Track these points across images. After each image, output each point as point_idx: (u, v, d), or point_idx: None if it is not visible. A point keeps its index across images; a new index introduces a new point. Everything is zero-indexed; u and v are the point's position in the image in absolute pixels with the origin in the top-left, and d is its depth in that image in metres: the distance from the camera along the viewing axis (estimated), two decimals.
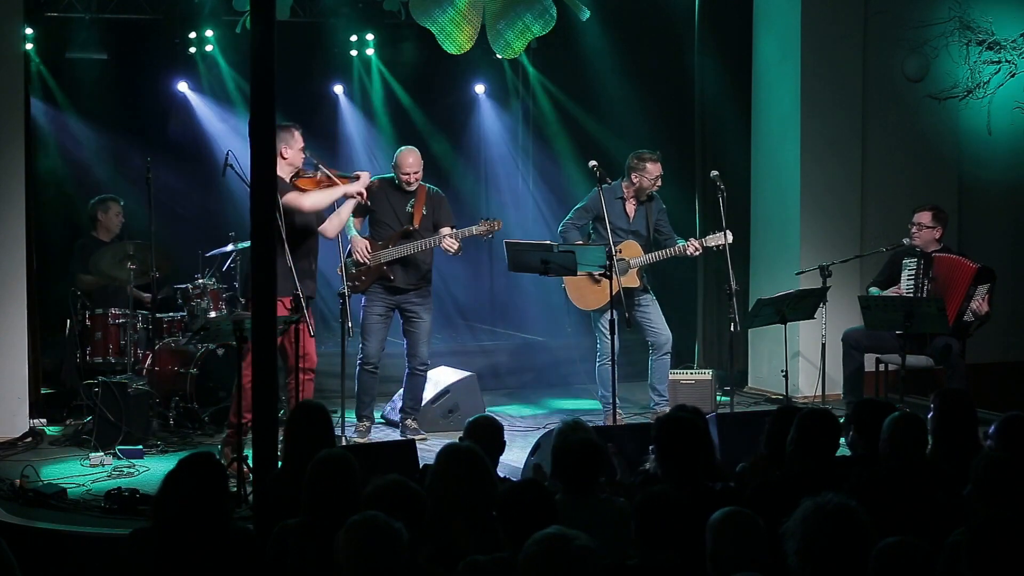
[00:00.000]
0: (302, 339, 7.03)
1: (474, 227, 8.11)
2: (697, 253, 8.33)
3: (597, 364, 8.52)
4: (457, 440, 5.08)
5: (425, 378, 8.36)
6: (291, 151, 7.42)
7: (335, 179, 7.56)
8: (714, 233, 8.22)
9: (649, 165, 8.38)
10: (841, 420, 5.21)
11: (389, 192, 8.15)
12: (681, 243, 8.35)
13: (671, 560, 3.86)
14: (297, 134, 7.47)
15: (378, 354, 8.18)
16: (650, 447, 5.05)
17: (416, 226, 8.07)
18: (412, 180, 8.09)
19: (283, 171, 7.31)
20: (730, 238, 8.12)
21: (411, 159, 8.10)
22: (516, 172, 12.21)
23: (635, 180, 8.37)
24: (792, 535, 3.46)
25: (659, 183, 8.41)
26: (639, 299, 8.43)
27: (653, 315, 8.51)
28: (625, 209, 8.42)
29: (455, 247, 8.00)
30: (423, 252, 8.09)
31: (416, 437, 7.82)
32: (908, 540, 3.40)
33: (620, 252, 8.14)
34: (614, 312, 7.65)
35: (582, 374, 9.46)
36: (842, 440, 5.71)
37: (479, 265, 11.89)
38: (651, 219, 8.47)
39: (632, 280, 8.30)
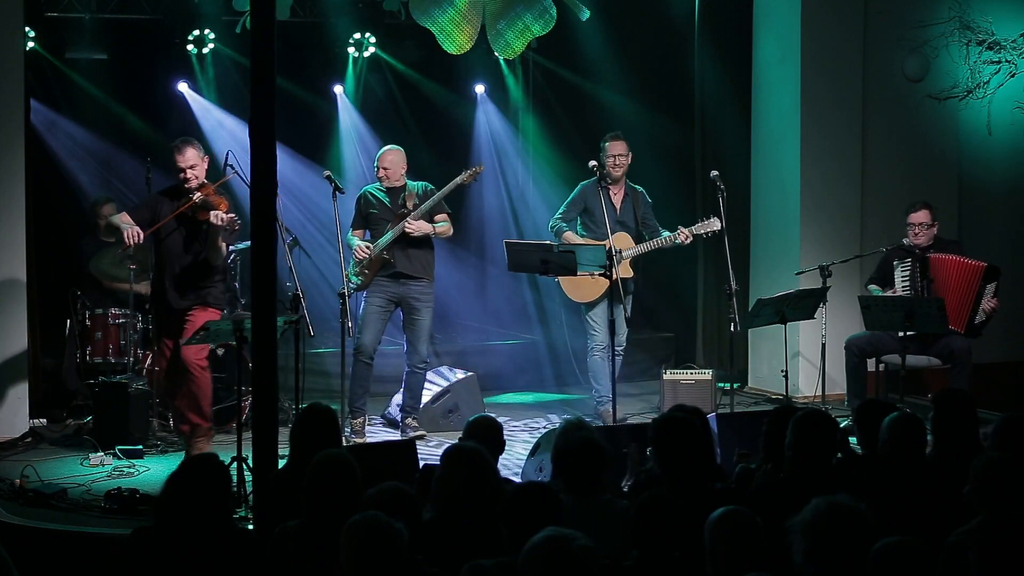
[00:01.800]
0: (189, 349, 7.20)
1: (458, 177, 8.11)
2: (688, 241, 8.29)
3: (588, 357, 8.54)
4: (457, 440, 5.09)
5: (424, 376, 8.36)
6: (175, 173, 7.41)
7: (204, 211, 7.31)
8: (703, 220, 8.24)
9: (607, 143, 8.46)
10: (845, 423, 5.22)
11: (383, 194, 8.20)
12: (667, 234, 8.34)
13: (670, 560, 3.86)
14: (177, 155, 7.33)
15: (373, 346, 8.15)
16: (647, 448, 5.05)
17: (410, 207, 8.08)
18: (386, 176, 8.16)
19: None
20: (717, 225, 8.12)
21: (389, 156, 8.20)
22: (516, 172, 12.20)
23: (603, 160, 8.40)
24: (801, 533, 3.46)
25: (620, 162, 8.42)
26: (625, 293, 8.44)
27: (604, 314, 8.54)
28: (611, 199, 8.43)
29: (413, 227, 7.98)
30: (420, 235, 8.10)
31: (415, 435, 7.84)
32: (907, 540, 3.40)
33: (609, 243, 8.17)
34: (614, 312, 7.65)
35: (583, 373, 9.46)
36: (852, 440, 5.76)
37: (478, 265, 11.89)
38: (638, 212, 8.48)
39: (626, 270, 8.31)
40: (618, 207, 8.46)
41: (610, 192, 8.43)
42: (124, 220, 7.40)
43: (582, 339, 9.20)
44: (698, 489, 4.65)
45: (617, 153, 8.44)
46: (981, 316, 8.09)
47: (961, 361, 8.07)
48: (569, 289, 8.52)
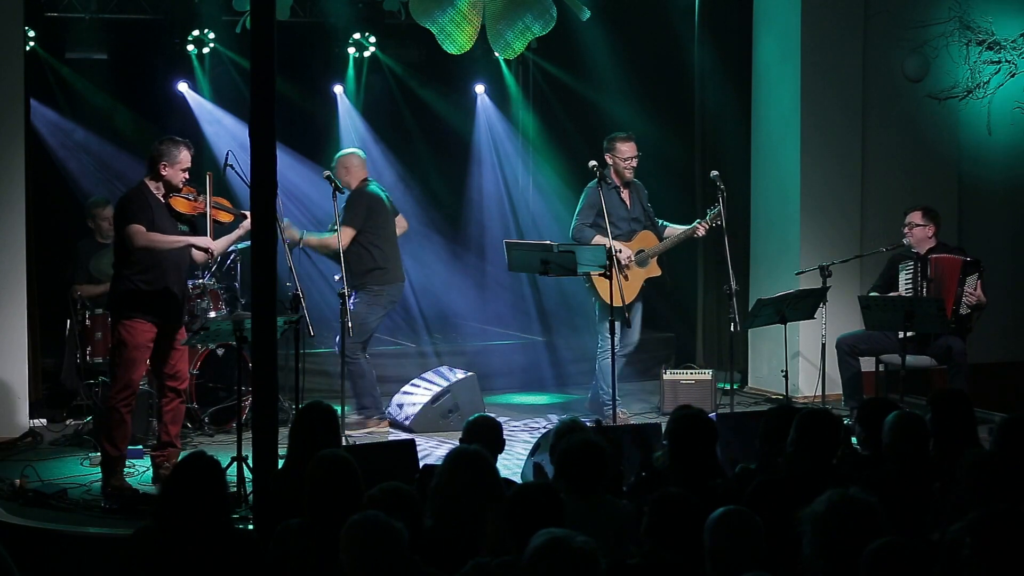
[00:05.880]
0: (176, 356, 7.05)
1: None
2: (705, 232, 8.37)
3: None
4: (457, 441, 5.09)
5: (358, 370, 8.30)
6: (171, 169, 6.90)
7: (217, 210, 7.05)
8: (710, 211, 8.30)
9: (620, 144, 8.44)
10: (847, 422, 5.22)
11: None
12: (687, 228, 8.40)
13: (672, 559, 3.86)
14: (185, 154, 6.93)
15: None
16: (663, 441, 5.05)
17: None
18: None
19: (154, 186, 6.94)
20: (719, 208, 8.19)
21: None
22: (516, 172, 12.21)
23: (610, 162, 8.40)
24: (813, 525, 3.45)
25: (634, 163, 8.43)
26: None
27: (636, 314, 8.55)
28: (621, 197, 8.45)
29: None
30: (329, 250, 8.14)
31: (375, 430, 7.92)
32: (898, 540, 3.38)
33: (638, 243, 8.29)
34: (613, 312, 7.64)
35: (582, 374, 9.46)
36: (852, 440, 5.76)
37: (478, 265, 11.90)
38: (644, 205, 8.53)
39: (655, 270, 8.33)
40: (628, 203, 8.49)
41: (620, 191, 8.44)
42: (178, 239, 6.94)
43: (582, 339, 9.19)
44: (705, 487, 4.66)
45: (632, 155, 8.42)
46: (965, 308, 8.10)
47: (957, 362, 8.07)
48: (605, 293, 8.25)
